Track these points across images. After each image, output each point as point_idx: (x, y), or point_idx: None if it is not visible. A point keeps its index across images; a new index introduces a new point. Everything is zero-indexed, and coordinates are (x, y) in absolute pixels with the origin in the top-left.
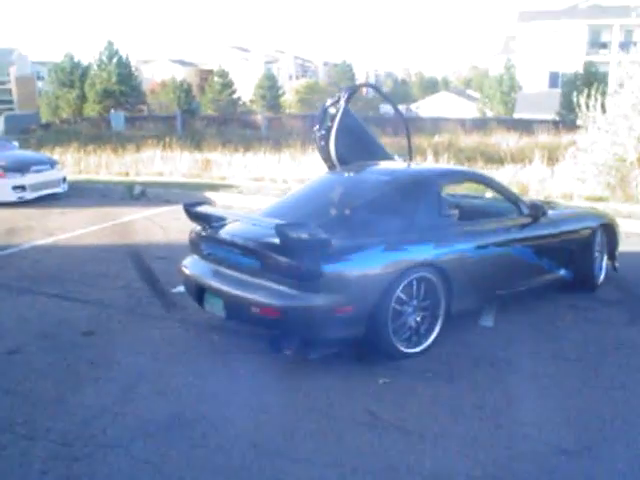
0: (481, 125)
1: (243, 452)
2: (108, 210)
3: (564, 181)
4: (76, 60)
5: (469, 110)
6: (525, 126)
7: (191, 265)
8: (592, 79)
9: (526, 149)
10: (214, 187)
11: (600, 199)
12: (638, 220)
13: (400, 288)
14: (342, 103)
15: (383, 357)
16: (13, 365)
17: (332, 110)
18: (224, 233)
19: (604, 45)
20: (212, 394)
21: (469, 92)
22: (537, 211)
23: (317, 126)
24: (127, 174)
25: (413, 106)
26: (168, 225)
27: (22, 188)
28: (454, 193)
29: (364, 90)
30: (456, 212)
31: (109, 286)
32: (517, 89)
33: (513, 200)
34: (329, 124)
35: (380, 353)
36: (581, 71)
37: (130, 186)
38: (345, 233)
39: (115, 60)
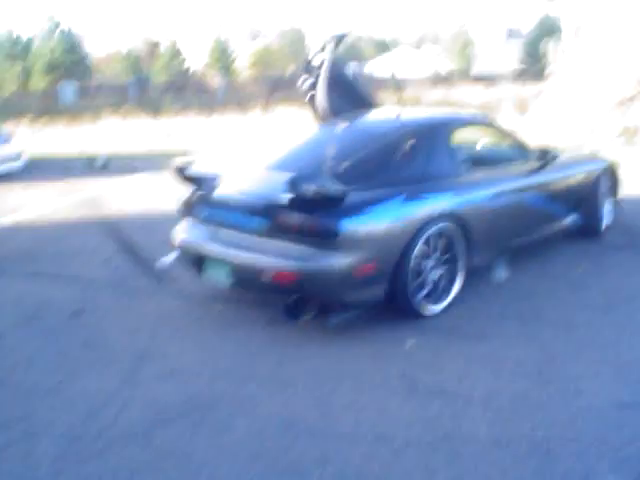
0: (442, 80)
1: (278, 433)
2: (72, 182)
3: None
4: (16, 35)
5: (424, 67)
6: (486, 80)
7: (186, 231)
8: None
9: (493, 100)
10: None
11: None
12: None
13: (421, 242)
14: (329, 52)
15: (406, 317)
16: None
17: (317, 60)
18: (225, 192)
19: None
20: (227, 370)
21: (423, 49)
22: (547, 156)
23: (302, 78)
24: (86, 147)
25: (366, 67)
26: (138, 193)
27: None
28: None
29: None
30: (468, 161)
31: (89, 262)
32: (473, 45)
33: (521, 145)
34: (317, 72)
35: (403, 313)
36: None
37: (92, 158)
38: (360, 184)
39: (59, 31)
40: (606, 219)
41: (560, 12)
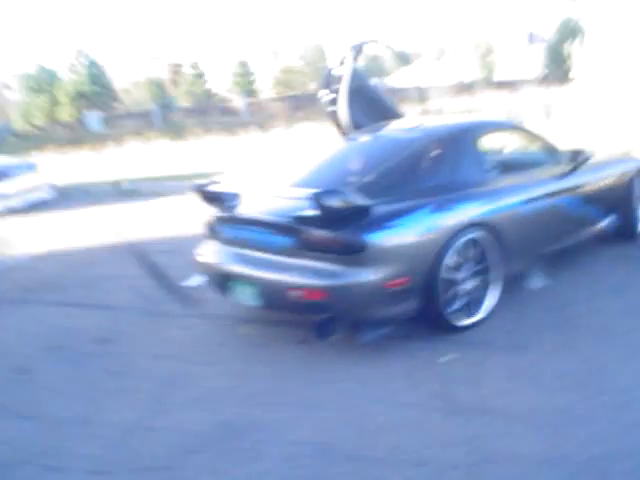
0: (465, 89)
1: (311, 459)
2: (99, 209)
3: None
4: (43, 67)
5: (447, 77)
6: (510, 86)
7: (209, 252)
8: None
9: (517, 105)
10: (206, 177)
11: None
12: None
13: (452, 253)
14: (349, 63)
15: (439, 332)
16: (23, 385)
17: (337, 72)
18: (247, 211)
19: None
20: (257, 395)
21: (444, 60)
22: (578, 158)
23: (323, 91)
24: (113, 172)
25: (387, 80)
26: (164, 218)
27: (5, 196)
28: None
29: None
30: (497, 167)
31: (114, 288)
32: (494, 51)
33: (550, 148)
34: (336, 87)
35: (436, 327)
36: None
37: (118, 184)
38: (385, 197)
39: (84, 61)
40: None
41: (581, 13)
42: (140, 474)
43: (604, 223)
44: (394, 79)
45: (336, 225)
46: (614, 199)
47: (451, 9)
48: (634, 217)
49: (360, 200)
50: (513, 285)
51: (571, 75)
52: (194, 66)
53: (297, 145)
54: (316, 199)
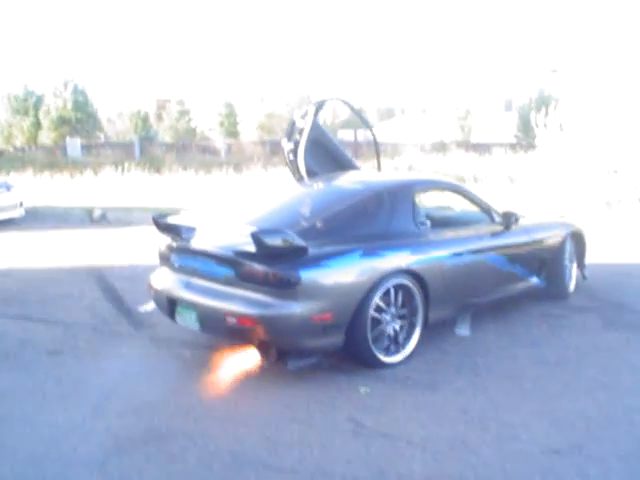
0: (439, 148)
1: (224, 464)
2: (67, 233)
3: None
4: (30, 89)
5: (426, 135)
6: (483, 149)
7: (161, 278)
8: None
9: (484, 168)
10: (176, 210)
11: None
12: None
13: (378, 295)
14: (310, 116)
15: (363, 366)
16: None
17: (300, 124)
18: (196, 243)
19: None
20: (187, 409)
21: (426, 118)
22: (509, 219)
23: (285, 139)
24: (87, 199)
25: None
26: (130, 246)
27: None
28: (429, 205)
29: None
30: (431, 221)
31: (73, 306)
32: (472, 114)
33: (486, 208)
34: (297, 138)
35: (360, 362)
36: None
37: (90, 210)
38: (321, 240)
39: (71, 88)
40: (572, 283)
41: (556, 85)
42: (69, 468)
43: (532, 282)
44: (377, 131)
45: (273, 260)
46: (544, 260)
47: (436, 71)
48: (564, 279)
49: (296, 240)
50: (442, 331)
51: (536, 143)
52: (180, 103)
53: (265, 187)
54: (255, 236)
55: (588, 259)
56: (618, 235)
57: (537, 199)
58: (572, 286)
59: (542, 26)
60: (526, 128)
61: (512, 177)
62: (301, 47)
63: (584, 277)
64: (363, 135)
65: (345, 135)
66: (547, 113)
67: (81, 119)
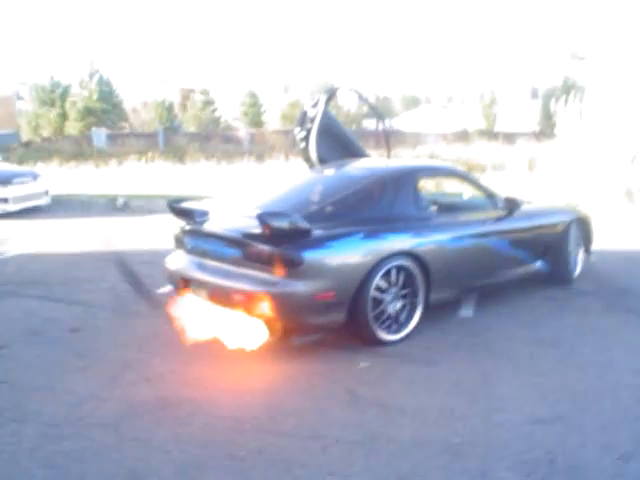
0: (463, 137)
1: (228, 428)
2: (91, 220)
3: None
4: (56, 80)
5: (451, 124)
6: (507, 138)
7: (175, 260)
8: (570, 91)
9: (505, 157)
10: (198, 199)
11: None
12: None
13: (379, 276)
14: (321, 105)
15: (364, 343)
16: (0, 358)
17: (311, 113)
18: (207, 226)
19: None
20: (196, 379)
21: (451, 107)
22: (512, 205)
23: (297, 128)
24: (108, 187)
25: (394, 121)
26: (151, 233)
27: (4, 200)
28: (433, 192)
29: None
30: (434, 206)
31: (94, 288)
32: (498, 103)
33: (489, 194)
34: (309, 126)
35: (361, 339)
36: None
37: (113, 198)
38: (327, 223)
39: (96, 78)
40: (577, 268)
41: (581, 72)
42: (86, 429)
43: (535, 266)
44: (400, 121)
45: (278, 241)
46: (548, 245)
47: (462, 59)
48: (568, 264)
49: (300, 222)
50: (447, 312)
51: (555, 131)
52: (204, 92)
53: (284, 176)
54: (261, 219)
55: (600, 246)
56: (635, 223)
57: (555, 187)
58: (577, 271)
59: (569, 11)
60: (548, 116)
61: (531, 166)
62: (325, 36)
63: (589, 261)
64: (388, 124)
65: (370, 124)
66: (567, 101)
67: (106, 110)
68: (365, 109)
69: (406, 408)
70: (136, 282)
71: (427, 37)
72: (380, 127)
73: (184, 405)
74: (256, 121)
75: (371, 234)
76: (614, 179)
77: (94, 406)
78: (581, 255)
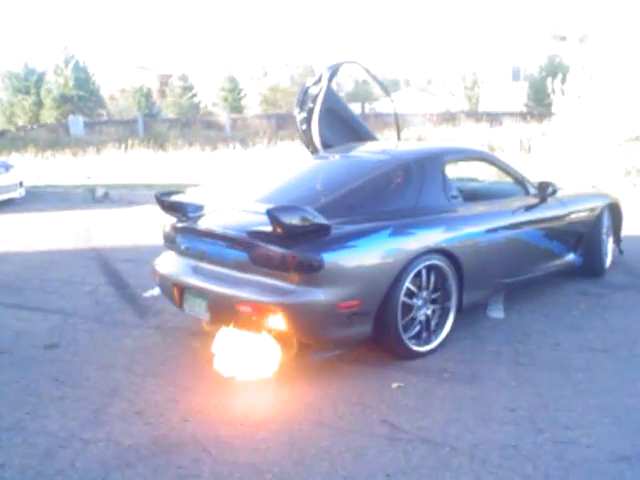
0: (449, 118)
1: (246, 479)
2: (69, 213)
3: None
4: (31, 67)
5: (433, 106)
6: (493, 118)
7: (166, 263)
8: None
9: (497, 139)
10: (182, 187)
11: None
12: None
13: (410, 278)
14: (324, 82)
15: (393, 357)
16: None
17: (313, 91)
18: (204, 223)
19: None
20: (199, 411)
21: (431, 89)
22: (545, 190)
23: (297, 108)
24: (88, 177)
25: (375, 104)
26: (134, 227)
27: None
28: (458, 176)
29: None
30: (462, 194)
31: (74, 293)
32: (479, 84)
33: (520, 179)
34: (310, 105)
35: (390, 352)
36: (544, 64)
37: (92, 189)
38: (343, 218)
39: (72, 65)
40: (608, 258)
41: (567, 52)
42: None
43: (569, 258)
44: (381, 104)
45: (292, 241)
46: (581, 235)
47: (441, 40)
48: (601, 254)
49: (318, 218)
50: (475, 314)
51: (553, 111)
52: (183, 78)
53: (274, 162)
54: (271, 214)
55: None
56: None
57: (554, 169)
58: (608, 262)
59: None
60: (538, 97)
61: (527, 147)
62: (303, 19)
63: (620, 252)
64: (368, 108)
65: (356, 108)
66: (564, 80)
67: (83, 97)
68: (344, 93)
69: (459, 444)
70: (120, 284)
71: (405, 19)
72: (391, 105)
73: (187, 448)
74: (236, 106)
75: (400, 230)
76: (613, 159)
77: (74, 453)
78: (611, 243)
